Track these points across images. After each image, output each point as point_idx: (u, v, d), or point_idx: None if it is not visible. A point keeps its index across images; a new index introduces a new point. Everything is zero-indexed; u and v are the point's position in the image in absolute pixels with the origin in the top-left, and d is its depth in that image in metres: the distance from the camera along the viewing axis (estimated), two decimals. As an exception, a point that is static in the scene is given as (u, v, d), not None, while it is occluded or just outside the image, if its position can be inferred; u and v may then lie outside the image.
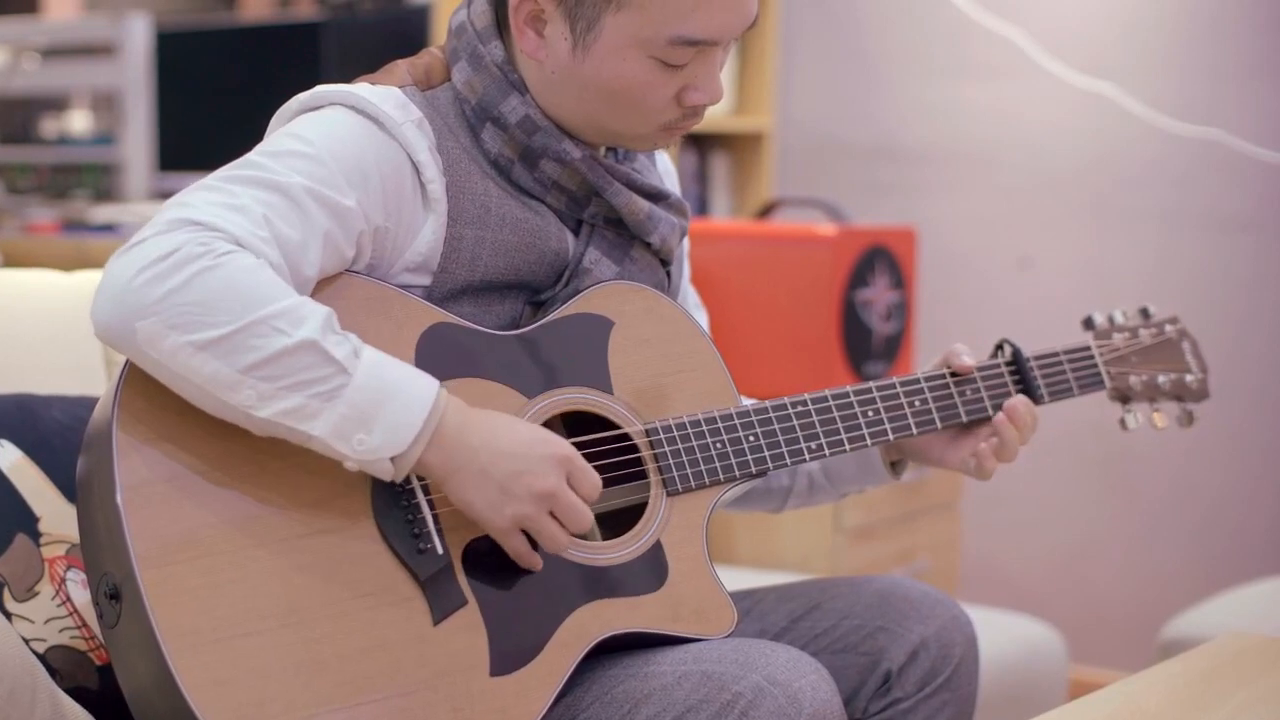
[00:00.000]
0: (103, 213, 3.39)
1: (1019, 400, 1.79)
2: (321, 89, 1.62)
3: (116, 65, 3.66)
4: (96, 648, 1.69)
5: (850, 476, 1.87)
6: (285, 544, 1.47)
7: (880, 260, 3.24)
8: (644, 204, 1.71)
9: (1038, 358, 1.86)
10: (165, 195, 3.38)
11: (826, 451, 1.73)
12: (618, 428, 1.65)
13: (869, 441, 1.76)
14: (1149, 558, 3.75)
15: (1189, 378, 1.96)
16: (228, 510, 1.46)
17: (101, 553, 1.46)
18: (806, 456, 1.72)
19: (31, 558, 1.70)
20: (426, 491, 1.54)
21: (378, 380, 1.45)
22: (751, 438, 1.70)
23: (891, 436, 1.77)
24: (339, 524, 1.50)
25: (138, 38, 3.64)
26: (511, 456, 1.50)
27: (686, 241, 1.88)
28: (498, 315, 1.65)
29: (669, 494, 1.65)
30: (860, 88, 4.06)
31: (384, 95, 1.61)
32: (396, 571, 1.50)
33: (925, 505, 3.36)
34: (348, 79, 1.65)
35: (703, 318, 1.92)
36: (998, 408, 1.81)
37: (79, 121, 4.37)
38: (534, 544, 1.55)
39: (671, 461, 1.66)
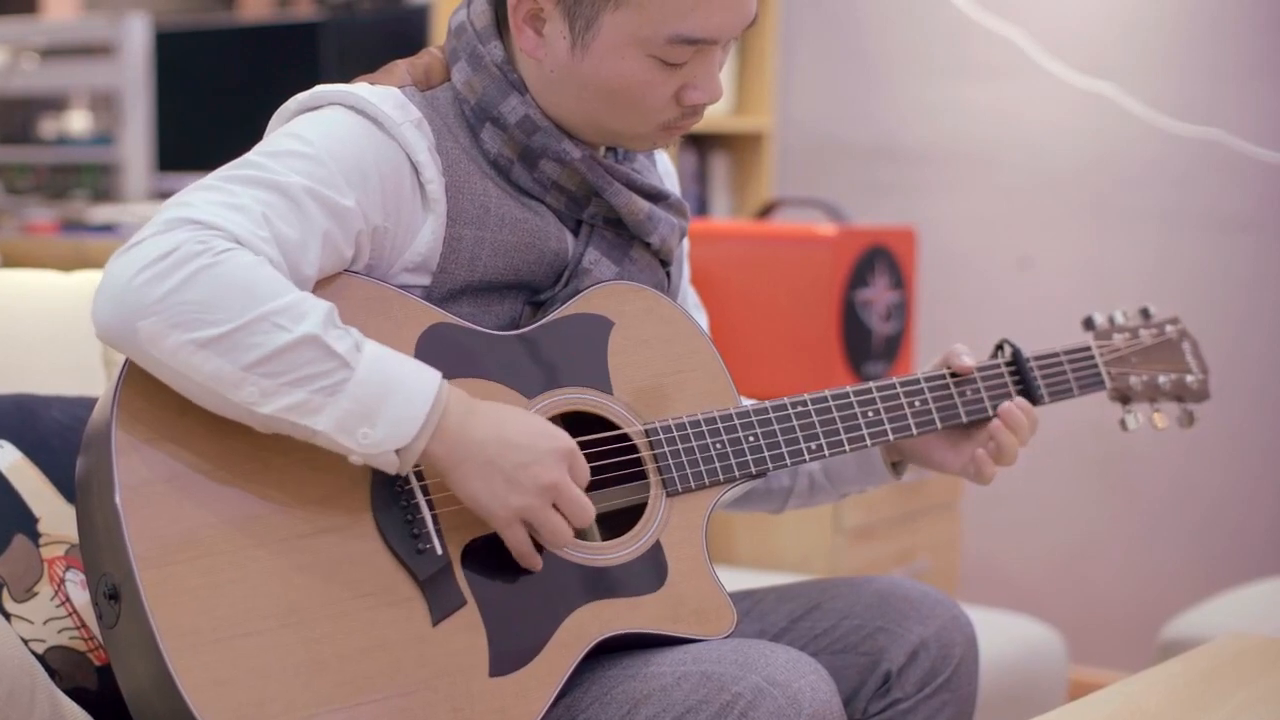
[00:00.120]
0: (102, 213, 3.39)
1: (1013, 404, 1.79)
2: (321, 89, 1.62)
3: (115, 65, 3.66)
4: (96, 648, 1.69)
5: (851, 477, 1.87)
6: (285, 544, 1.47)
7: (880, 260, 3.24)
8: (644, 204, 1.71)
9: (1038, 358, 1.86)
10: (164, 195, 3.38)
11: (826, 452, 1.73)
12: (617, 428, 1.65)
13: (869, 442, 1.76)
14: (1149, 558, 3.75)
15: (1189, 378, 1.95)
16: (227, 510, 1.46)
17: (100, 553, 1.46)
18: (806, 457, 1.72)
19: (30, 558, 1.70)
20: (426, 492, 1.54)
21: (380, 374, 1.45)
22: (751, 438, 1.70)
23: (891, 437, 1.77)
24: (339, 524, 1.50)
25: (137, 38, 3.64)
26: (517, 448, 1.50)
27: (686, 242, 1.88)
28: (497, 315, 1.65)
29: (668, 494, 1.65)
30: (860, 88, 4.06)
31: (383, 95, 1.61)
32: (396, 572, 1.50)
33: (925, 505, 3.36)
34: (347, 79, 1.65)
35: (702, 318, 1.91)
36: (997, 408, 1.81)
37: (78, 121, 4.37)
38: (536, 547, 1.55)
39: (671, 462, 1.66)
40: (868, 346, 3.21)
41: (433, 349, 1.58)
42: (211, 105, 3.83)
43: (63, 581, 1.71)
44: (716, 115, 3.95)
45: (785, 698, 1.50)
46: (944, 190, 3.94)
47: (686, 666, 1.54)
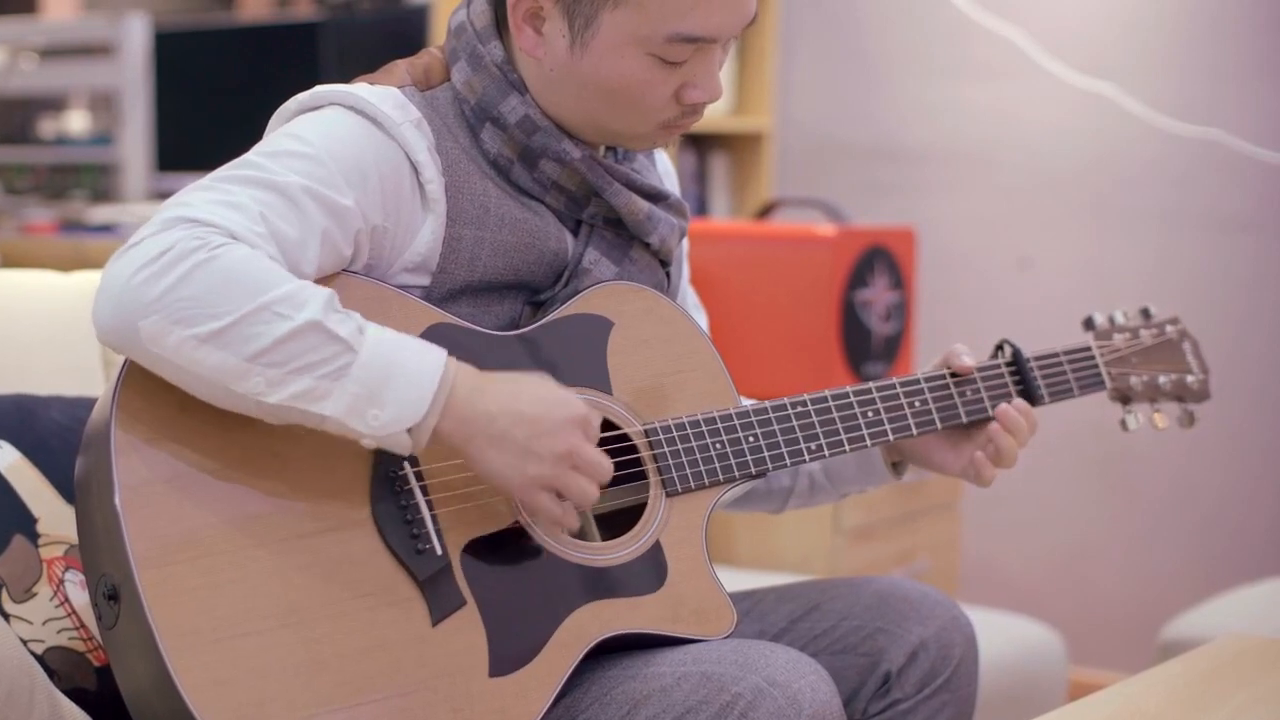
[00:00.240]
0: (101, 213, 3.39)
1: (1011, 406, 1.79)
2: (320, 89, 1.62)
3: (115, 65, 3.66)
4: (95, 649, 1.69)
5: (851, 477, 1.87)
6: (285, 544, 1.47)
7: (880, 260, 3.24)
8: (643, 204, 1.71)
9: (1038, 358, 1.86)
10: (164, 195, 3.38)
11: (826, 452, 1.73)
12: (617, 428, 1.65)
13: (869, 442, 1.75)
14: (1149, 558, 3.75)
15: (1190, 378, 1.95)
16: (227, 510, 1.46)
17: (100, 553, 1.46)
18: (806, 457, 1.72)
19: (30, 559, 1.70)
20: (426, 492, 1.54)
21: (385, 355, 1.45)
22: (751, 438, 1.70)
23: (891, 437, 1.76)
24: (339, 524, 1.50)
25: (136, 38, 3.64)
26: (530, 419, 1.49)
27: (686, 242, 1.88)
28: (497, 316, 1.65)
29: (668, 494, 1.65)
30: (860, 88, 4.05)
31: (383, 95, 1.61)
32: (396, 572, 1.50)
33: (925, 506, 3.36)
34: (346, 79, 1.65)
35: (702, 318, 1.91)
36: (996, 410, 1.80)
37: (77, 122, 4.37)
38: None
39: (671, 462, 1.66)
40: (867, 347, 3.21)
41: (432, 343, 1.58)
42: (211, 105, 3.82)
43: (62, 582, 1.71)
44: (716, 115, 3.94)
45: (785, 698, 1.50)
46: (944, 190, 3.94)
47: (686, 667, 1.54)
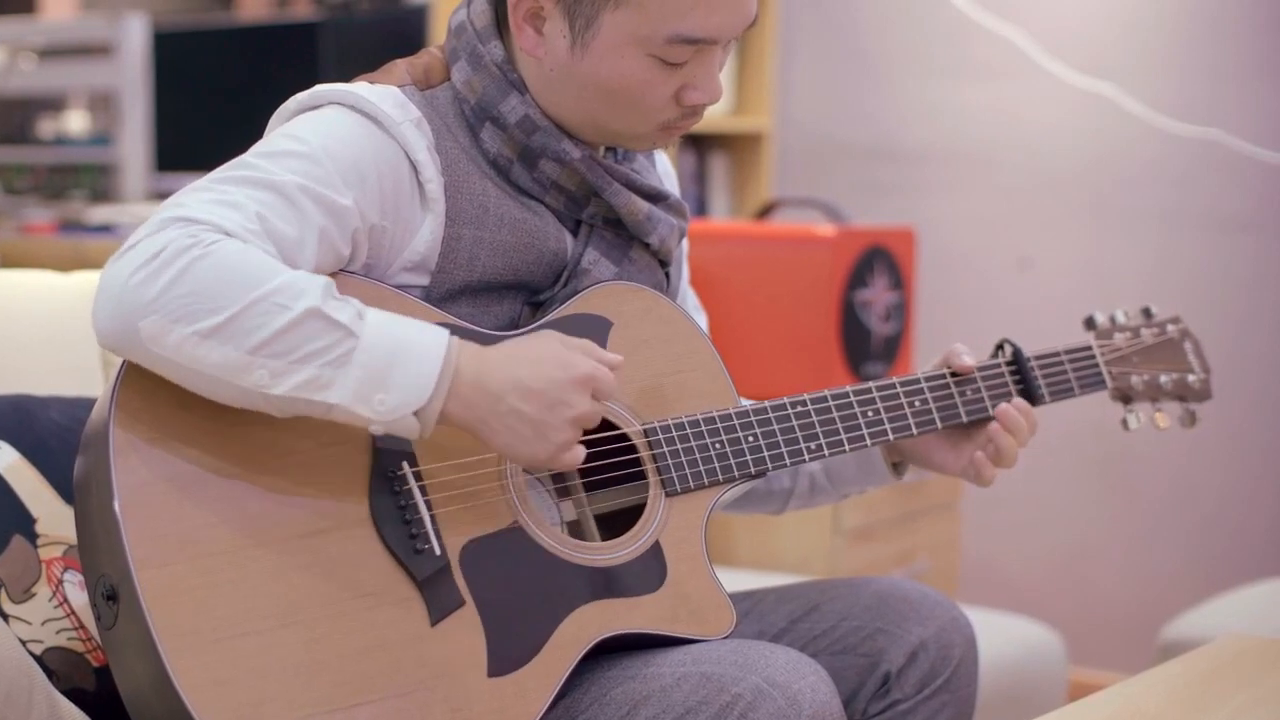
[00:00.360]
0: (100, 213, 3.39)
1: (1010, 406, 1.79)
2: (320, 88, 1.62)
3: (114, 65, 3.66)
4: (94, 649, 1.69)
5: (851, 477, 1.86)
6: (284, 544, 1.47)
7: (879, 261, 3.24)
8: (643, 204, 1.71)
9: (1038, 358, 1.85)
10: (163, 196, 3.38)
11: (826, 452, 1.73)
12: (616, 428, 1.65)
13: (869, 442, 1.75)
14: (1149, 559, 3.75)
15: (1191, 378, 1.95)
16: (226, 510, 1.46)
17: (99, 554, 1.46)
18: (806, 457, 1.72)
19: (29, 559, 1.70)
20: (424, 492, 1.53)
21: (387, 338, 1.44)
22: (750, 438, 1.69)
23: (891, 437, 1.76)
24: (337, 523, 1.50)
25: (135, 38, 3.63)
26: (537, 393, 1.49)
27: (685, 243, 1.88)
28: (496, 316, 1.65)
29: (668, 494, 1.65)
30: (859, 88, 4.05)
31: (383, 94, 1.61)
32: (394, 572, 1.50)
33: (925, 506, 3.36)
34: (345, 79, 1.65)
35: (702, 320, 1.91)
36: (996, 409, 1.80)
37: (76, 122, 4.37)
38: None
39: (670, 462, 1.65)
40: (867, 347, 3.21)
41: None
42: (210, 105, 3.82)
43: (61, 582, 1.70)
44: (716, 115, 3.94)
45: (785, 699, 1.50)
46: (943, 190, 3.94)
47: (686, 667, 1.54)
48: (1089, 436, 3.69)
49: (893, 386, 1.78)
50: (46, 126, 4.41)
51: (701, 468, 1.67)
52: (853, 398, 1.75)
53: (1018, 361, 1.85)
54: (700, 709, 1.51)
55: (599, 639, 1.57)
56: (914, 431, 1.78)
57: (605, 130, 1.66)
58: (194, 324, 1.41)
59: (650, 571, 1.62)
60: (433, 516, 1.53)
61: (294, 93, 1.63)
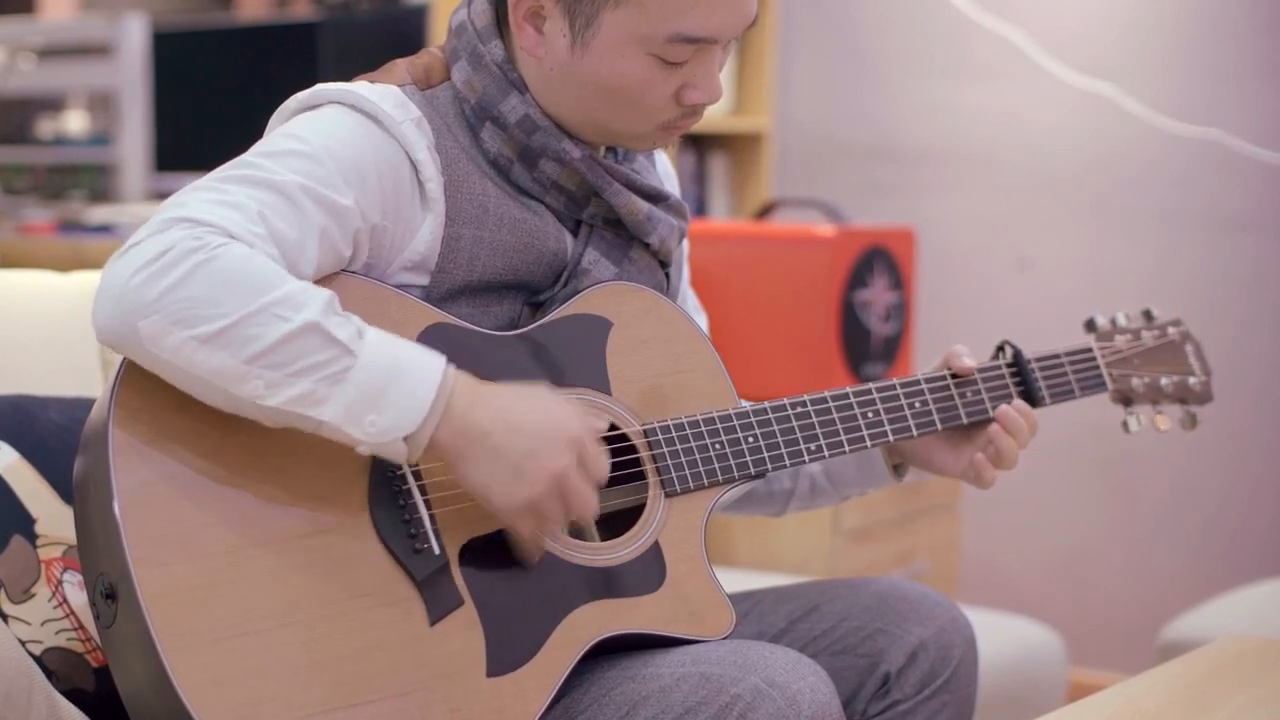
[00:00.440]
0: (99, 213, 3.39)
1: (1010, 408, 1.78)
2: (320, 88, 1.62)
3: (113, 65, 3.66)
4: (93, 649, 1.69)
5: (852, 479, 1.86)
6: (283, 544, 1.47)
7: (879, 261, 3.24)
8: (643, 205, 1.70)
9: (1039, 359, 1.85)
10: (162, 196, 3.38)
11: (826, 453, 1.73)
12: (616, 428, 1.65)
13: (868, 443, 1.75)
14: (1149, 559, 3.74)
15: (1192, 380, 1.95)
16: (225, 510, 1.46)
17: (98, 553, 1.46)
18: (806, 458, 1.72)
19: (28, 559, 1.70)
20: (424, 492, 1.53)
21: (384, 359, 1.44)
22: (750, 439, 1.69)
23: (891, 438, 1.76)
24: (337, 523, 1.49)
25: (134, 38, 3.63)
26: (524, 435, 1.48)
27: (686, 244, 1.88)
28: (496, 316, 1.65)
29: (667, 495, 1.65)
30: (859, 88, 4.05)
31: (383, 94, 1.61)
32: (393, 571, 1.50)
33: (924, 507, 3.36)
34: (345, 79, 1.65)
35: (703, 320, 1.91)
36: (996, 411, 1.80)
37: (75, 122, 4.37)
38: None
39: (670, 462, 1.65)
40: (867, 347, 3.21)
41: (431, 349, 1.57)
42: (209, 105, 3.82)
43: (60, 582, 1.70)
44: (715, 115, 3.94)
45: (784, 699, 1.50)
46: (943, 190, 3.94)
47: (685, 668, 1.54)
48: (1089, 438, 3.69)
49: (893, 388, 1.78)
50: (46, 126, 4.41)
51: (701, 468, 1.66)
52: (852, 399, 1.75)
53: (1018, 363, 1.84)
54: (700, 709, 1.50)
55: (598, 639, 1.57)
56: (914, 433, 1.77)
57: (605, 130, 1.66)
58: (193, 328, 1.41)
59: (650, 572, 1.61)
60: (432, 516, 1.53)
61: (294, 93, 1.63)
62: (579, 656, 1.55)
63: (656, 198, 1.73)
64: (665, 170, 1.85)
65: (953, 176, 3.93)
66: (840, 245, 3.16)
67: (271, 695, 1.41)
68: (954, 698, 1.74)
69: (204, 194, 1.49)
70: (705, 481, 1.66)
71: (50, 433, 1.77)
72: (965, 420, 1.80)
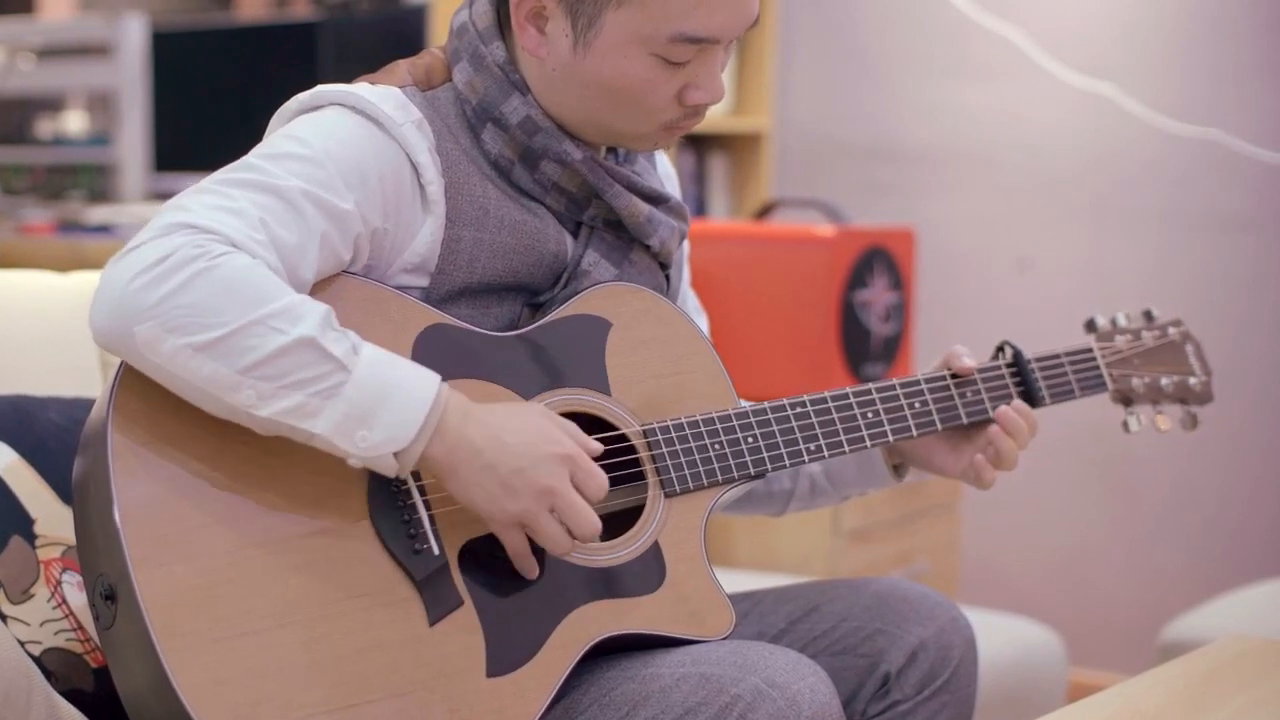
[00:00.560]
0: (98, 213, 3.39)
1: (1010, 409, 1.78)
2: (321, 89, 1.62)
3: (112, 65, 3.66)
4: (92, 650, 1.69)
5: (852, 479, 1.86)
6: (282, 544, 1.47)
7: (879, 261, 3.24)
8: (644, 207, 1.70)
9: (1039, 359, 1.85)
10: (161, 196, 3.38)
11: (826, 453, 1.72)
12: (616, 429, 1.64)
13: (868, 443, 1.75)
14: (1149, 560, 3.74)
15: (1192, 380, 1.95)
16: (224, 510, 1.46)
17: (97, 554, 1.46)
18: (805, 458, 1.71)
19: (27, 560, 1.69)
20: (423, 492, 1.53)
21: (378, 377, 1.44)
22: (750, 439, 1.69)
23: (891, 438, 1.76)
24: (336, 524, 1.49)
25: (133, 38, 3.63)
26: (514, 453, 1.49)
27: (686, 245, 1.88)
28: (496, 317, 1.65)
29: (667, 495, 1.65)
30: (859, 88, 4.05)
31: (384, 95, 1.60)
32: (393, 572, 1.50)
33: (924, 507, 3.36)
34: (344, 79, 1.65)
35: (703, 322, 1.91)
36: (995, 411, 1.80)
37: (74, 122, 4.37)
38: (536, 551, 1.54)
39: (669, 463, 1.65)
40: (866, 347, 3.21)
41: (430, 350, 1.57)
42: (209, 106, 3.82)
43: (59, 583, 1.70)
44: (715, 116, 3.94)
45: (784, 700, 1.50)
46: (943, 190, 3.94)
47: (685, 668, 1.54)
48: (1089, 438, 3.69)
49: (892, 388, 1.78)
50: (45, 126, 4.41)
51: (701, 469, 1.66)
52: (852, 399, 1.75)
53: (1018, 363, 1.84)
54: (699, 710, 1.50)
55: (598, 639, 1.57)
56: (913, 433, 1.77)
57: (607, 130, 1.65)
58: (189, 336, 1.41)
59: (649, 572, 1.61)
60: (431, 517, 1.53)
61: (293, 93, 1.63)
62: (579, 657, 1.55)
63: (657, 200, 1.73)
64: (666, 172, 1.85)
65: (953, 176, 3.93)
66: (840, 245, 3.16)
67: (271, 695, 1.41)
68: (954, 698, 1.74)
69: (206, 198, 1.48)
70: (705, 482, 1.66)
71: (49, 433, 1.77)
72: (965, 420, 1.80)
